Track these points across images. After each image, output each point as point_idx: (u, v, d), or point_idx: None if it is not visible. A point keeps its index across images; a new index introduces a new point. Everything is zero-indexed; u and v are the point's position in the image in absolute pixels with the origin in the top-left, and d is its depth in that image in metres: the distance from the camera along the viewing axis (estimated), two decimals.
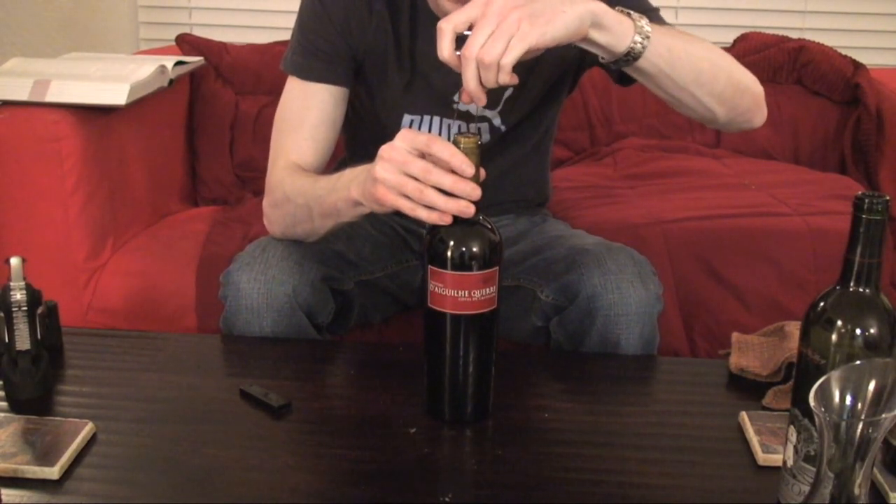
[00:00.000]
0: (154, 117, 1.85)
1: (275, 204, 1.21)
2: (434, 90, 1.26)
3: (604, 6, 0.98)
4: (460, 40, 0.94)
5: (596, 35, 0.98)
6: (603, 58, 1.03)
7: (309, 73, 1.24)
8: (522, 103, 1.31)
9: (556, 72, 1.31)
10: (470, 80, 0.93)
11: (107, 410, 1.00)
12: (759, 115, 1.16)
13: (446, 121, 1.29)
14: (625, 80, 1.15)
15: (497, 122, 1.31)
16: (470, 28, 0.93)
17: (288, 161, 1.22)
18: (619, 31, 0.99)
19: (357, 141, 1.41)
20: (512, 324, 1.25)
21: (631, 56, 1.00)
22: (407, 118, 1.30)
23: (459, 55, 0.93)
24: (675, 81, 1.05)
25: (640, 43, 0.99)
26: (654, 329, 1.17)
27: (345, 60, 1.24)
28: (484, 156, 0.94)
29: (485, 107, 1.12)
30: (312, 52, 1.24)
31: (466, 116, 1.27)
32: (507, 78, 0.92)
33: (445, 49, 0.94)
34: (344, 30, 1.23)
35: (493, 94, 0.96)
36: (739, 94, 1.11)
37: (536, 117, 1.35)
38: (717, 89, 1.08)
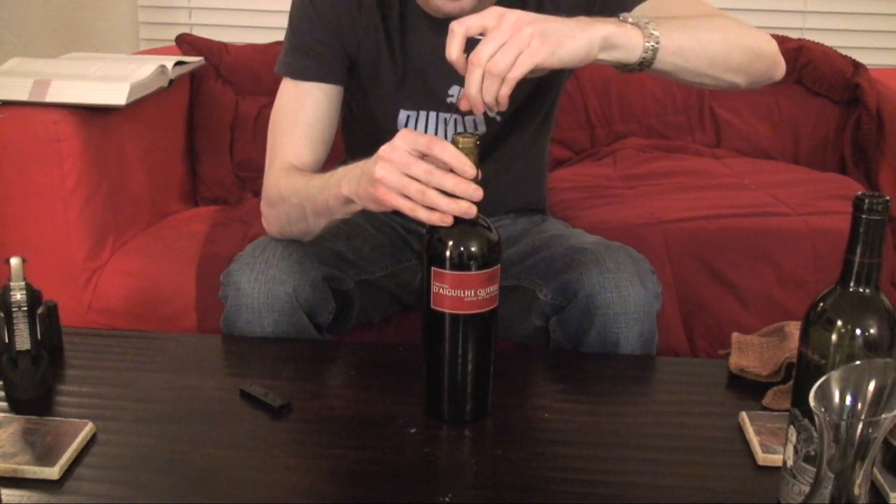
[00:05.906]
0: (154, 117, 1.85)
1: (271, 204, 1.21)
2: (428, 85, 1.26)
3: (613, 27, 0.98)
4: (468, 43, 0.94)
5: (606, 56, 0.99)
6: (615, 67, 1.04)
7: (301, 73, 1.24)
8: (517, 89, 1.30)
9: None
10: (473, 86, 0.93)
11: (107, 410, 1.00)
12: (778, 71, 1.18)
13: (442, 115, 1.28)
14: None
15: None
16: (481, 34, 0.93)
17: (284, 162, 1.22)
18: (629, 47, 0.99)
19: (355, 141, 1.41)
20: (511, 324, 1.25)
21: (644, 64, 1.01)
22: (403, 114, 1.29)
23: (467, 58, 0.93)
24: (692, 71, 1.07)
25: (651, 49, 1.00)
26: (652, 327, 1.17)
27: (337, 58, 1.24)
28: (481, 149, 0.94)
29: None
30: (304, 52, 1.24)
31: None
32: (507, 92, 0.94)
33: (455, 51, 0.95)
34: (334, 28, 1.23)
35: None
36: (755, 59, 1.13)
37: (533, 104, 1.34)
38: (734, 64, 1.10)
